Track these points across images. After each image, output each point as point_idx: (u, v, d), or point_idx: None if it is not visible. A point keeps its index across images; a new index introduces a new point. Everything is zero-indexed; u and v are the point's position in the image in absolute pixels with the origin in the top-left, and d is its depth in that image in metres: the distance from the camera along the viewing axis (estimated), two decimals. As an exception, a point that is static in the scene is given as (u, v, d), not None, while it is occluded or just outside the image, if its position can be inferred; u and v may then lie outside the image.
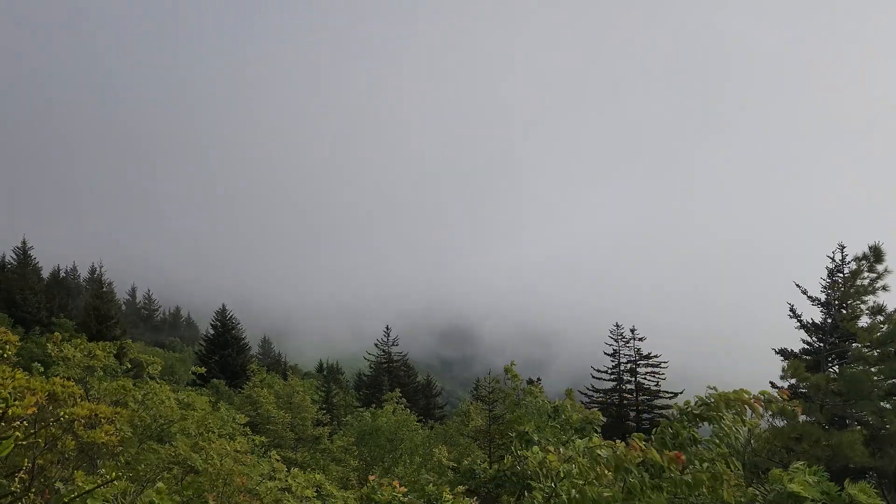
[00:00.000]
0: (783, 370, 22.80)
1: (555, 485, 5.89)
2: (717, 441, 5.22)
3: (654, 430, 5.70)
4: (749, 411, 5.24)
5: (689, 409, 5.41)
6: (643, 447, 5.44)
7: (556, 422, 8.76)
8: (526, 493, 6.76)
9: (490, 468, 7.79)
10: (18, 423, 5.14)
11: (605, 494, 5.40)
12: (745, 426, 5.21)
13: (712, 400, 5.29)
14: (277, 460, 13.21)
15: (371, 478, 8.57)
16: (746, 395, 5.19)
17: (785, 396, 5.17)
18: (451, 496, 9.80)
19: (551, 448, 6.26)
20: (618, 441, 5.95)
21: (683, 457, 5.39)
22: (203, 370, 18.45)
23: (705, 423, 5.50)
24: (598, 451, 5.46)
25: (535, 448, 7.97)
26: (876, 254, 21.73)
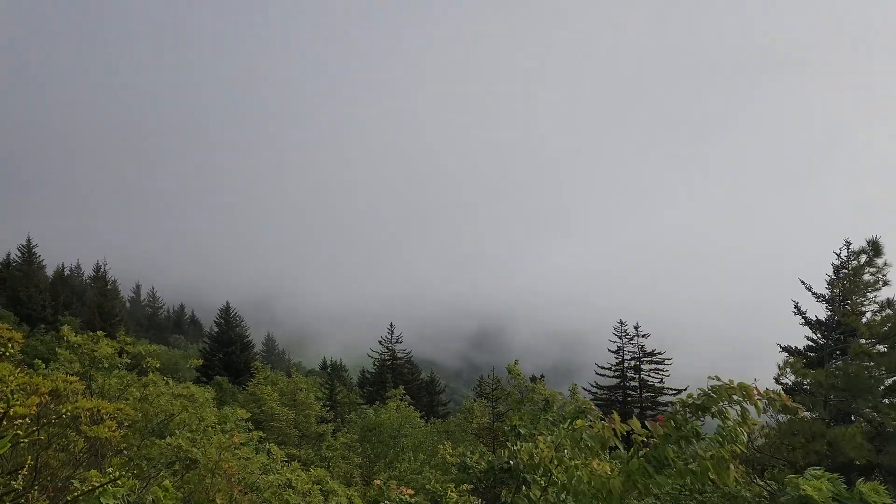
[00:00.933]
0: (779, 367, 22.73)
1: (550, 473, 5.90)
2: (721, 438, 5.19)
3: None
4: (751, 406, 5.20)
5: (692, 401, 5.38)
6: (627, 424, 5.50)
7: (549, 414, 8.77)
8: (524, 488, 6.76)
9: (482, 462, 7.77)
10: (20, 421, 5.16)
11: (602, 474, 5.42)
12: (746, 422, 5.17)
13: (713, 392, 5.26)
14: (278, 451, 13.23)
15: (377, 481, 8.59)
16: (749, 388, 5.16)
17: (786, 399, 5.14)
18: (455, 493, 9.81)
19: (540, 438, 6.27)
20: (602, 420, 5.98)
21: (663, 418, 5.45)
22: (200, 362, 18.44)
23: (709, 418, 5.48)
24: (584, 434, 5.50)
25: (524, 443, 7.99)
26: (874, 248, 21.67)
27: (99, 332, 13.25)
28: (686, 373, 45.02)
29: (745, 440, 5.25)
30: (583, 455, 5.74)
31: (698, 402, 5.34)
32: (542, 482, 6.06)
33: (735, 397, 5.20)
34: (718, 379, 5.40)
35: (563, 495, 5.65)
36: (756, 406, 5.15)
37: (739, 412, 5.23)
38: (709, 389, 5.37)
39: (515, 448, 7.41)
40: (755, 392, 5.16)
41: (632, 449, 5.40)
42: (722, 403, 5.22)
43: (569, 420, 6.45)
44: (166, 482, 8.09)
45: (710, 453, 5.13)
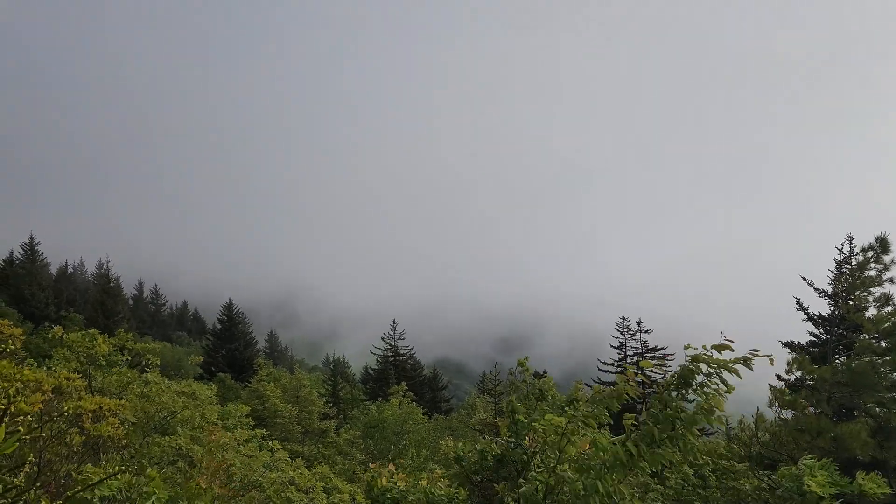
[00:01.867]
0: (787, 364, 22.69)
1: (558, 454, 5.91)
2: (703, 402, 5.18)
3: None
4: (731, 376, 5.18)
5: (673, 378, 5.38)
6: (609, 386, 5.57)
7: (545, 404, 8.78)
8: (522, 480, 6.76)
9: (474, 453, 7.76)
10: (22, 418, 5.16)
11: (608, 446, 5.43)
12: (726, 389, 5.15)
13: (691, 363, 5.25)
14: (279, 449, 13.25)
15: (372, 465, 8.59)
16: (725, 357, 5.14)
17: (757, 354, 5.09)
18: (445, 490, 9.77)
19: (536, 425, 6.28)
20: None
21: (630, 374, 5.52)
22: (201, 359, 18.47)
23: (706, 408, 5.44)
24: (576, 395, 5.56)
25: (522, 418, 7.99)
26: (882, 245, 21.59)
27: (92, 331, 13.24)
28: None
29: (723, 409, 5.22)
30: (583, 433, 5.83)
31: (680, 375, 5.34)
32: (548, 464, 6.07)
33: (707, 366, 5.18)
34: (692, 347, 5.39)
35: (569, 473, 5.65)
36: (733, 371, 5.12)
37: (718, 382, 5.21)
38: (686, 361, 5.38)
39: (507, 437, 7.45)
40: (727, 345, 5.14)
41: (624, 434, 5.42)
42: (700, 376, 5.21)
43: (564, 404, 6.48)
44: (151, 471, 8.09)
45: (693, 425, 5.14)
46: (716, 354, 5.16)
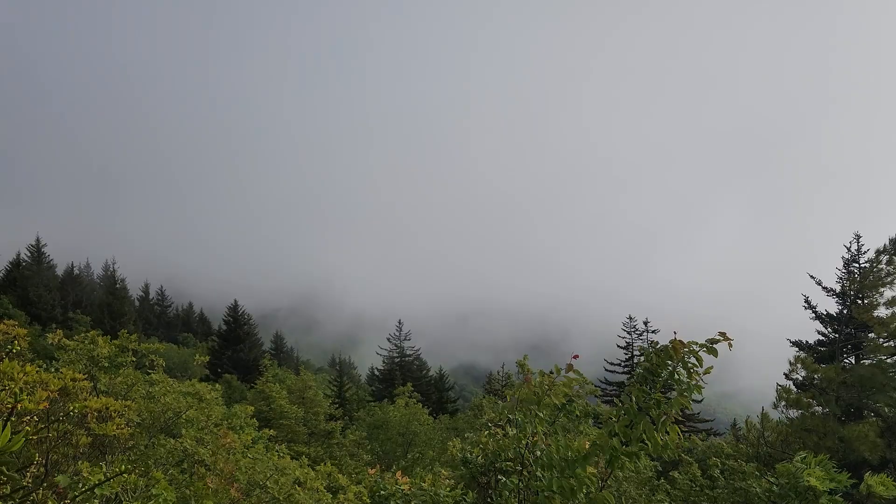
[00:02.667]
0: (790, 363, 22.62)
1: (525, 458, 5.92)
2: (683, 399, 5.15)
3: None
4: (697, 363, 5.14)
5: (642, 370, 5.35)
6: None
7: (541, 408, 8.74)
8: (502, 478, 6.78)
9: (481, 455, 7.73)
10: (29, 417, 5.14)
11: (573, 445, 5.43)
12: (694, 378, 5.11)
13: (656, 354, 5.23)
14: (286, 454, 13.22)
15: (371, 471, 8.57)
16: (677, 342, 5.10)
17: (725, 336, 5.06)
18: (451, 493, 9.73)
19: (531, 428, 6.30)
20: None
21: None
22: (207, 359, 18.47)
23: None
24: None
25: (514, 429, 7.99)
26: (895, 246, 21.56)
27: (92, 333, 13.25)
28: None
29: (691, 396, 5.19)
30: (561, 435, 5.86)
31: (648, 367, 5.31)
32: (520, 467, 6.11)
33: (675, 358, 5.15)
34: (656, 343, 5.38)
35: (538, 471, 5.67)
36: (698, 359, 5.08)
37: (685, 373, 5.18)
38: (651, 352, 5.34)
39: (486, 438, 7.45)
40: (679, 346, 5.10)
41: (603, 427, 5.41)
42: (668, 366, 5.17)
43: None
44: (156, 472, 8.08)
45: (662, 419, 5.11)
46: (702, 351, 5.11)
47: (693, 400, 5.32)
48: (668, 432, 5.12)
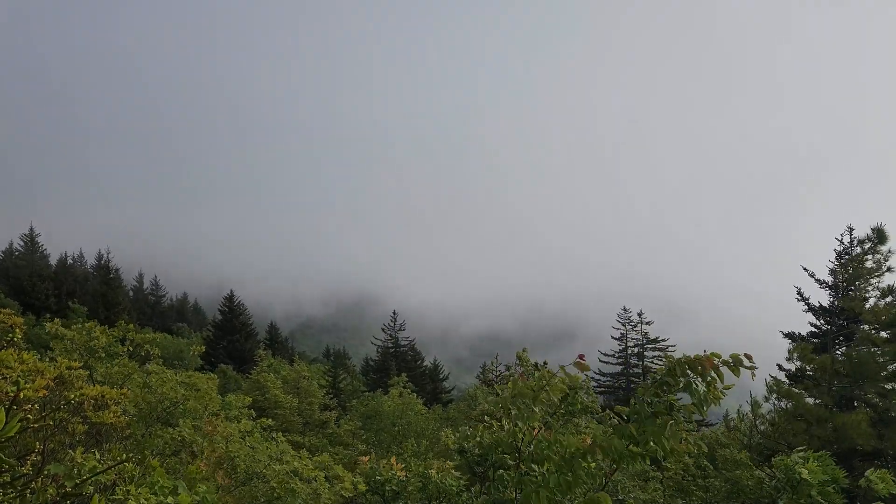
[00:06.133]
0: (788, 352, 22.79)
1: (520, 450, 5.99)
2: (694, 408, 5.19)
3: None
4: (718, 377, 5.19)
5: (658, 377, 5.40)
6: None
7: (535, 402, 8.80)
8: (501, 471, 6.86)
9: (479, 445, 7.80)
10: (29, 406, 5.17)
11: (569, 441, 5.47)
12: (712, 391, 5.16)
13: (672, 368, 5.27)
14: (283, 441, 13.29)
15: (364, 459, 8.65)
16: (707, 359, 5.14)
17: (750, 360, 5.09)
18: (455, 482, 9.83)
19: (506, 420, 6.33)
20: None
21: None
22: (203, 349, 18.51)
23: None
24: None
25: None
26: (879, 235, 21.65)
27: (89, 324, 13.28)
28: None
29: (705, 410, 5.24)
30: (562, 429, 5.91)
31: (660, 380, 5.35)
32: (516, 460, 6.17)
33: (692, 371, 5.19)
34: (670, 356, 5.43)
35: (533, 466, 5.72)
36: (719, 375, 5.12)
37: (704, 386, 5.21)
38: (666, 366, 5.39)
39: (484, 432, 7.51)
40: (710, 363, 5.14)
41: (606, 428, 5.47)
42: (688, 376, 5.22)
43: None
44: (153, 461, 8.14)
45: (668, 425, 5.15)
46: (725, 370, 5.13)
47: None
48: (682, 440, 5.15)
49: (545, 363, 8.42)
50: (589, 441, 5.58)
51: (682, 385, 5.20)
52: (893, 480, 8.26)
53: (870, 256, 21.97)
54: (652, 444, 5.08)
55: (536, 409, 6.07)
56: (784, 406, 22.30)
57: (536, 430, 6.18)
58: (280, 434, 14.64)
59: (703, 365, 5.08)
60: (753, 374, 5.07)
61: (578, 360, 5.54)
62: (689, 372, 5.15)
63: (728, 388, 5.16)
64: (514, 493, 6.35)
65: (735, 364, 5.02)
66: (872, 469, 8.27)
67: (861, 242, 22.32)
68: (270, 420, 15.71)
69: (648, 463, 5.22)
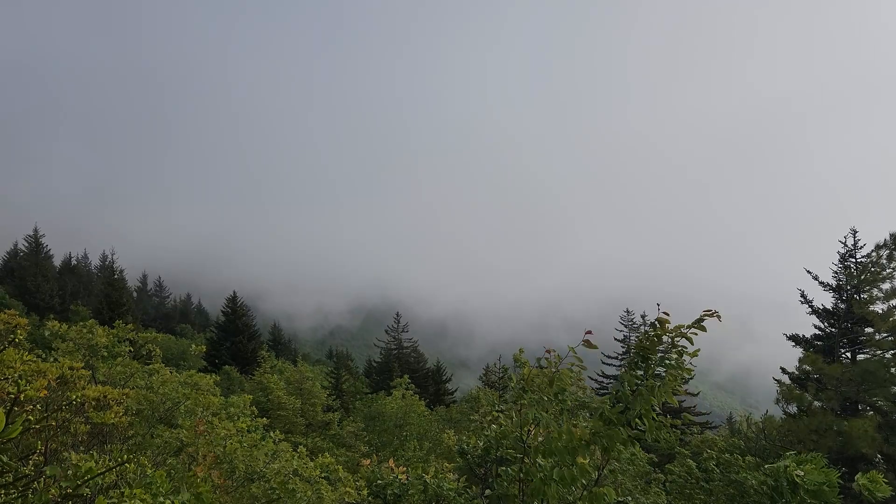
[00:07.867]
0: (799, 361, 22.74)
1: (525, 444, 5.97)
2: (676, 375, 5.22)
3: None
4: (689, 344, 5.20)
5: (634, 353, 5.41)
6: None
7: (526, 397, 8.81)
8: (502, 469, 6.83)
9: (479, 446, 7.78)
10: (31, 406, 5.17)
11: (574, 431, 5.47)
12: (687, 357, 5.19)
13: (648, 337, 5.29)
14: (282, 440, 13.27)
15: (366, 462, 8.64)
16: (674, 326, 5.18)
17: (717, 313, 5.12)
18: (453, 483, 9.79)
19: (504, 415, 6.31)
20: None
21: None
22: (204, 349, 18.50)
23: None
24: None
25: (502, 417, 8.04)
26: (896, 241, 21.61)
27: (90, 322, 13.29)
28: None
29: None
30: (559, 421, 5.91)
31: (637, 353, 5.37)
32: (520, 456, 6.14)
33: (666, 338, 5.21)
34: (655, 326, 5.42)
35: (538, 459, 5.69)
36: (689, 338, 5.14)
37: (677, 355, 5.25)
38: (643, 336, 5.39)
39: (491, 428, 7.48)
40: (668, 323, 5.17)
41: (594, 415, 5.48)
42: (661, 349, 5.26)
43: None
44: (143, 458, 8.15)
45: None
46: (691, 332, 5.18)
47: (689, 393, 5.37)
48: (665, 402, 5.17)
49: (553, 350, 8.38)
50: (588, 432, 5.58)
51: (657, 360, 5.24)
52: (886, 483, 8.21)
53: (884, 262, 21.87)
54: (638, 420, 5.10)
55: (547, 398, 6.08)
56: (791, 410, 22.25)
57: (540, 427, 6.16)
58: (277, 432, 14.64)
59: (662, 323, 5.13)
60: (720, 317, 5.09)
61: (586, 337, 5.50)
62: (658, 347, 5.21)
63: (694, 354, 5.17)
64: (517, 488, 6.32)
65: (698, 325, 5.06)
66: (861, 473, 8.21)
67: (878, 248, 22.22)
68: (265, 419, 15.68)
69: (638, 454, 5.24)
